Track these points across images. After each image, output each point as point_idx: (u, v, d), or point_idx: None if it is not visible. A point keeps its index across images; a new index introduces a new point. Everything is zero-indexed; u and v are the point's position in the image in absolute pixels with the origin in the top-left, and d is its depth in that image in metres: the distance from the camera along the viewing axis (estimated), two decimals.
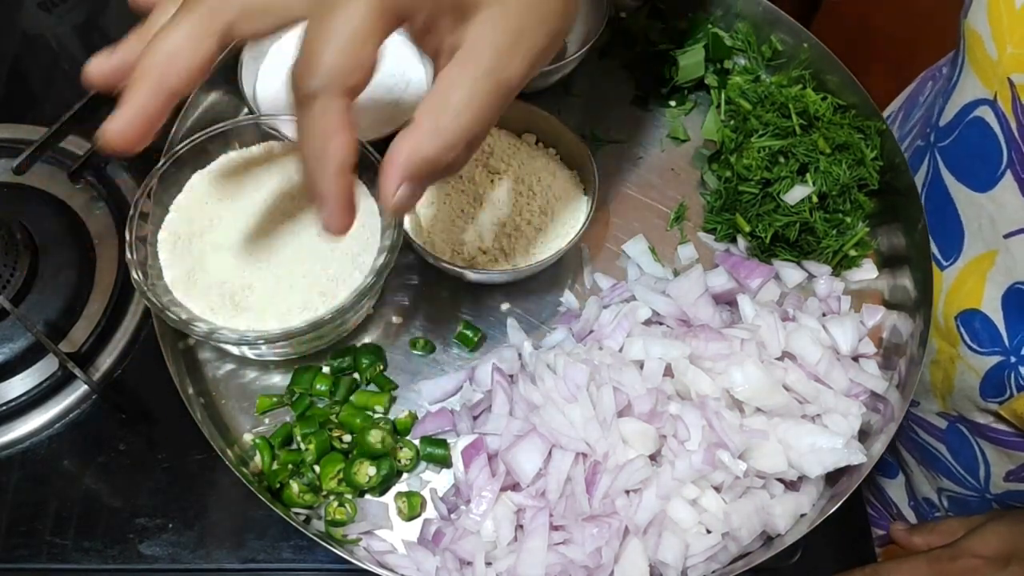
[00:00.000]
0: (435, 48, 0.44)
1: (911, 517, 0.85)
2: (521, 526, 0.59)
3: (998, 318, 0.63)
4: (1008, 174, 0.58)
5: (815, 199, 0.67)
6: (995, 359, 0.63)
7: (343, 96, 0.41)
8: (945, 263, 0.66)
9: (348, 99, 0.41)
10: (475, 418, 0.64)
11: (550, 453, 0.58)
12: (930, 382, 0.71)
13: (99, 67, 0.43)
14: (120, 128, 0.42)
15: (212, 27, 0.41)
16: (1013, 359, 0.62)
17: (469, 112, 0.42)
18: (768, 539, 0.61)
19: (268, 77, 0.75)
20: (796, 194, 0.67)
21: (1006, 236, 0.60)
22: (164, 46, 0.42)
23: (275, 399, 0.65)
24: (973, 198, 0.62)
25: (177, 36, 0.41)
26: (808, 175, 0.67)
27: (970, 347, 0.65)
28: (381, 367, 0.67)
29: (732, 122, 0.73)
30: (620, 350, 0.63)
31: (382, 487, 0.62)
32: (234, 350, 0.67)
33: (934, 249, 0.67)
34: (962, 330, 0.65)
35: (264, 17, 0.42)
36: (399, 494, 0.62)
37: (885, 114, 0.90)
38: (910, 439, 0.78)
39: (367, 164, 0.65)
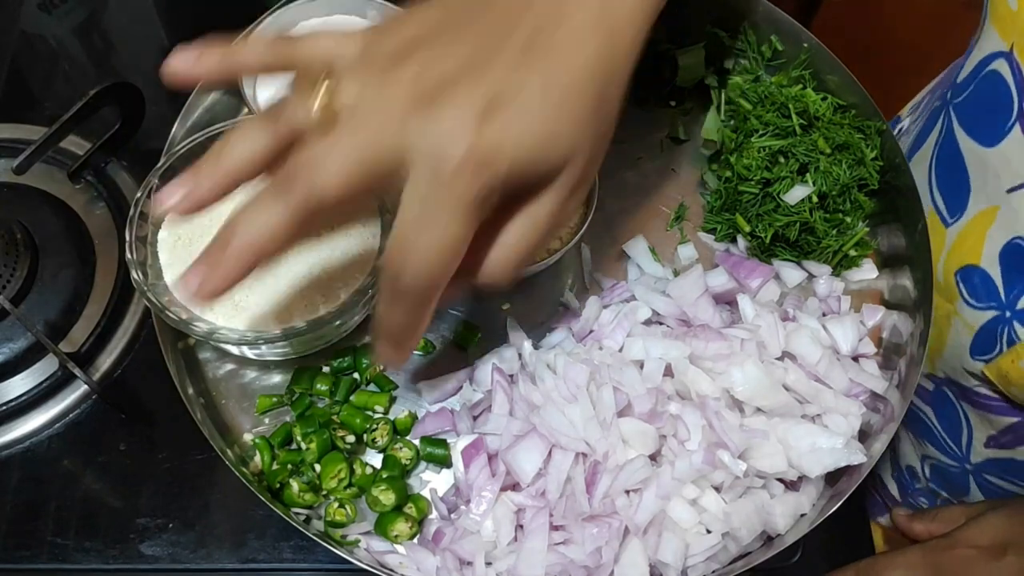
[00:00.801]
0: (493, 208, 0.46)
1: (893, 488, 0.86)
2: (521, 526, 0.59)
3: (996, 273, 0.63)
4: (1016, 127, 0.58)
5: (815, 199, 0.67)
6: (990, 314, 0.63)
7: (440, 291, 0.44)
8: (950, 220, 0.66)
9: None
10: (475, 418, 0.64)
11: (550, 453, 0.58)
12: None
13: (170, 196, 0.44)
14: (203, 290, 0.42)
15: (305, 215, 0.41)
16: (1008, 314, 0.62)
17: (520, 257, 0.45)
18: (768, 539, 0.61)
19: (268, 77, 0.75)
20: (796, 194, 0.67)
21: (1009, 191, 0.60)
22: (255, 228, 0.42)
23: (275, 399, 0.65)
24: (981, 153, 0.62)
25: (268, 221, 0.42)
26: (808, 175, 0.67)
27: (968, 302, 0.65)
28: (381, 367, 0.67)
29: (732, 122, 0.73)
30: (620, 350, 0.63)
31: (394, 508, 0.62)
32: (234, 350, 0.67)
33: (940, 206, 0.67)
34: (961, 286, 0.65)
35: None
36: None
37: (915, 100, 0.89)
38: None
39: None
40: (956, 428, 0.72)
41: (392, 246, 0.42)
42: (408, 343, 0.47)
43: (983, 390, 0.66)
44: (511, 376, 0.65)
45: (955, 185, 0.65)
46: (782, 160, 0.68)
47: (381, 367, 0.60)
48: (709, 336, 0.61)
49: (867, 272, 0.72)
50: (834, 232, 0.69)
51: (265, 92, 0.74)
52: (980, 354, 0.65)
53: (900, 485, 0.85)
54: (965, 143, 0.64)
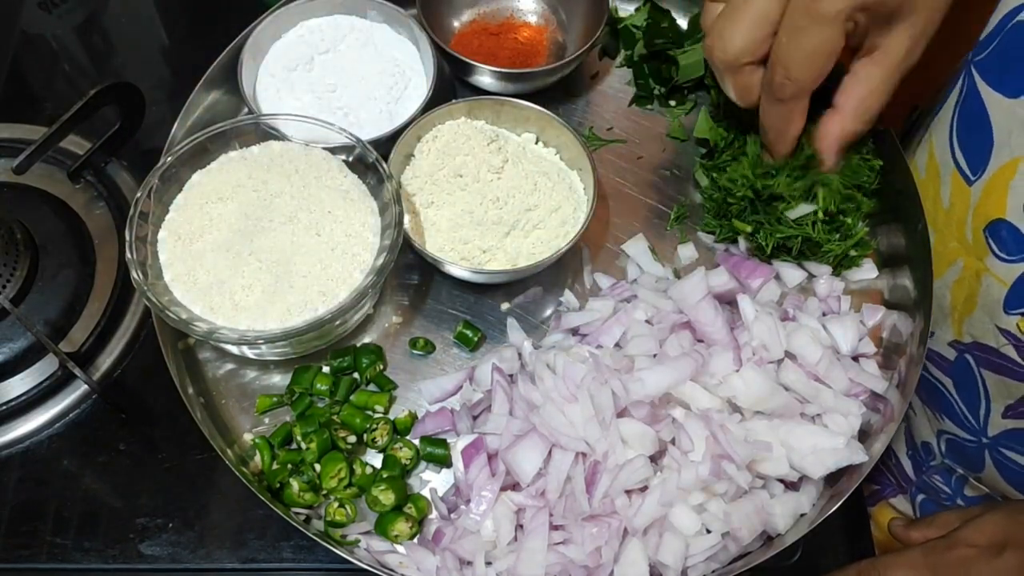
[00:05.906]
0: (858, 43, 0.60)
1: (908, 467, 0.86)
2: (521, 526, 0.59)
3: (1023, 225, 0.63)
4: None
5: (820, 215, 0.66)
6: (1023, 267, 0.63)
7: (807, 96, 0.60)
8: (973, 177, 0.66)
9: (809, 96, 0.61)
10: (475, 418, 0.64)
11: (550, 453, 0.58)
12: (950, 305, 0.71)
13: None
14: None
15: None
16: None
17: (881, 99, 0.62)
18: (768, 539, 0.61)
19: (268, 77, 0.75)
20: (800, 211, 0.66)
21: None
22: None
23: (275, 399, 0.65)
24: (1005, 105, 0.62)
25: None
26: (817, 191, 0.67)
27: (998, 256, 0.65)
28: (381, 367, 0.67)
29: (724, 122, 0.73)
30: (618, 348, 0.63)
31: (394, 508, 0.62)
32: (234, 350, 0.67)
33: (962, 165, 0.67)
34: (990, 241, 0.65)
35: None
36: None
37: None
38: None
39: (368, 164, 0.65)
40: (975, 399, 0.72)
41: (773, 56, 0.57)
42: (789, 136, 0.63)
43: (1010, 352, 0.66)
44: (511, 376, 0.65)
45: (977, 143, 0.65)
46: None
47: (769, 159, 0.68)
48: (712, 352, 0.61)
49: (867, 272, 0.72)
50: (836, 237, 0.68)
51: (265, 92, 0.74)
52: (1015, 308, 0.64)
53: (915, 463, 0.85)
54: (990, 97, 0.64)
